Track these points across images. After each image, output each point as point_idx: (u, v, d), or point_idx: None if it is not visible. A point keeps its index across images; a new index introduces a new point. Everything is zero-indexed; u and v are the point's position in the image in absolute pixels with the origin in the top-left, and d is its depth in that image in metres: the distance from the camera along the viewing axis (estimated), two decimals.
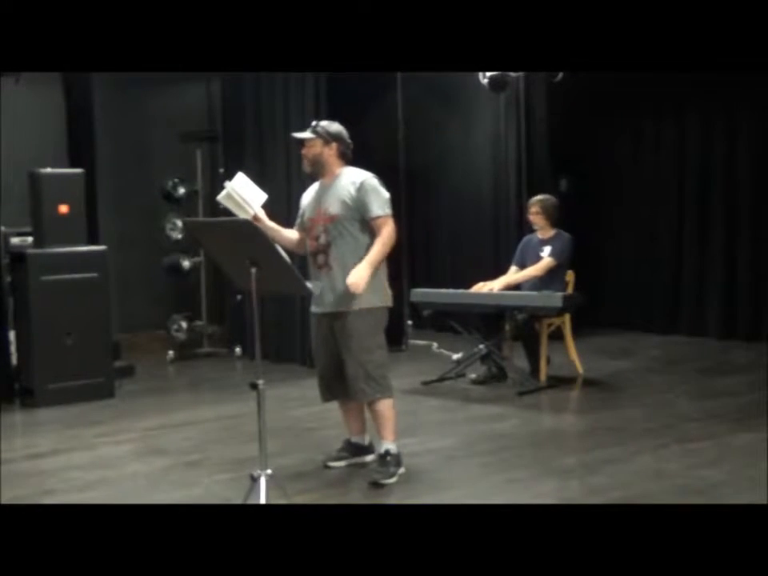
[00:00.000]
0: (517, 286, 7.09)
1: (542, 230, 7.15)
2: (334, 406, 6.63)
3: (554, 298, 6.63)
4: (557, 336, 7.21)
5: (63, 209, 6.84)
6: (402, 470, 4.81)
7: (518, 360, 7.22)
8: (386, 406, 4.80)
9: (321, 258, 4.74)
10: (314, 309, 4.85)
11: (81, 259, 6.91)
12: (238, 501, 4.01)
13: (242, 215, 4.62)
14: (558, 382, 7.01)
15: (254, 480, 3.91)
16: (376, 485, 4.67)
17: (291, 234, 4.97)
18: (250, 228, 3.96)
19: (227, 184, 4.66)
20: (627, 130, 9.47)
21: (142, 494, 4.74)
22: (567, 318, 7.12)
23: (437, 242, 9.99)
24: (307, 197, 4.96)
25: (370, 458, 5.08)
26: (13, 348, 7.06)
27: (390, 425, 4.81)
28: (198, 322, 8.97)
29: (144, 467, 5.12)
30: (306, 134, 4.80)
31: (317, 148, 4.78)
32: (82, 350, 6.86)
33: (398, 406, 6.46)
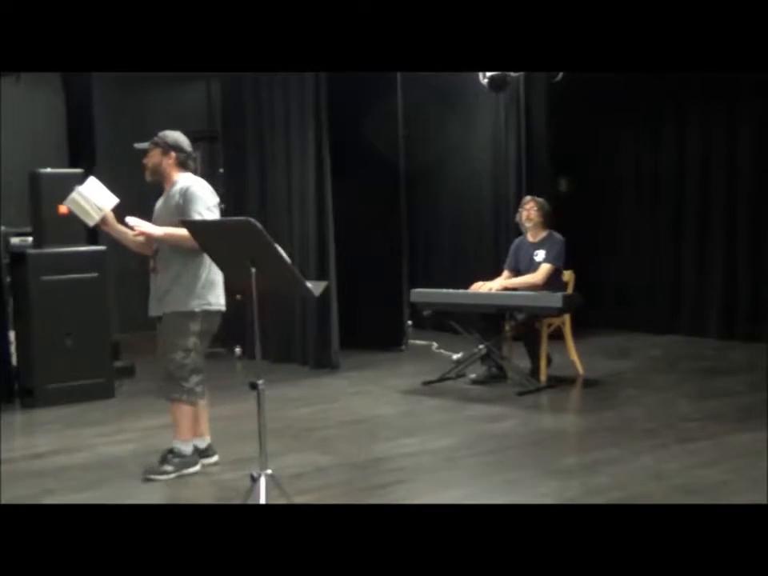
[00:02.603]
0: (515, 288, 7.10)
1: (534, 230, 7.11)
2: (336, 405, 6.67)
3: (553, 298, 6.62)
4: (557, 336, 7.21)
5: (63, 209, 6.80)
6: (186, 471, 4.93)
7: (518, 360, 7.22)
8: (177, 408, 4.94)
9: (152, 263, 4.96)
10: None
11: (80, 259, 6.91)
12: (238, 501, 4.01)
13: (87, 220, 4.89)
14: (558, 382, 7.01)
15: (254, 480, 3.91)
16: (148, 480, 4.86)
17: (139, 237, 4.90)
18: (249, 228, 3.95)
19: (76, 188, 4.84)
20: (627, 130, 9.47)
21: (142, 494, 4.74)
22: (567, 318, 7.11)
23: (437, 241, 9.99)
24: (157, 203, 5.11)
25: (209, 460, 5.12)
26: (13, 348, 7.07)
27: (183, 425, 4.94)
28: None
29: (144, 467, 5.11)
30: (145, 144, 4.96)
31: (156, 157, 4.95)
32: (82, 350, 6.86)
33: (398, 406, 6.51)
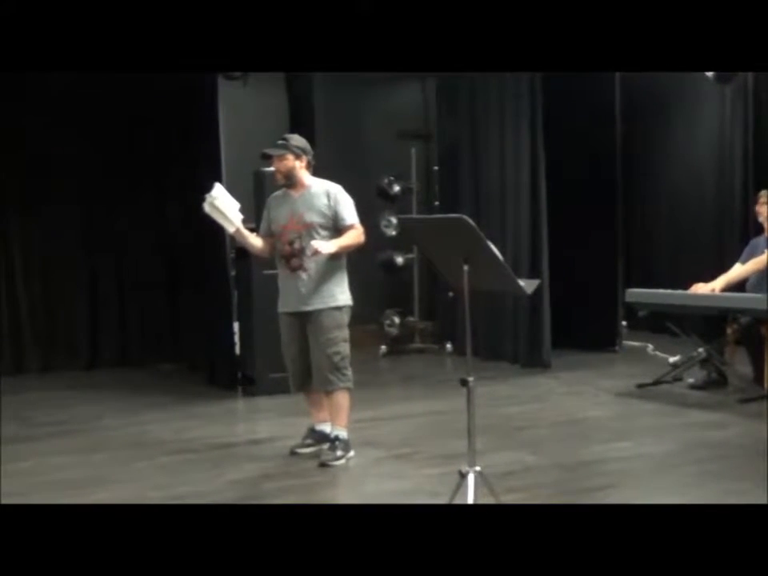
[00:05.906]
0: (740, 286, 6.76)
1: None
2: (546, 404, 6.60)
3: None
4: None
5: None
6: (350, 454, 5.20)
7: (741, 366, 6.90)
8: (342, 396, 5.18)
9: (295, 262, 5.14)
10: (283, 308, 5.24)
11: None
12: (446, 496, 4.03)
13: (227, 225, 5.09)
14: None
15: (463, 476, 3.92)
16: (324, 465, 5.09)
17: (257, 240, 5.33)
18: (462, 225, 3.96)
19: (208, 196, 4.98)
20: None
21: (354, 484, 4.86)
22: None
23: (655, 240, 9.68)
24: (276, 205, 5.31)
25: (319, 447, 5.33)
26: (236, 338, 7.42)
27: (344, 413, 5.21)
28: (411, 318, 9.10)
29: (355, 458, 5.24)
30: (279, 150, 5.18)
31: (289, 162, 5.18)
32: None
33: (610, 408, 6.37)
